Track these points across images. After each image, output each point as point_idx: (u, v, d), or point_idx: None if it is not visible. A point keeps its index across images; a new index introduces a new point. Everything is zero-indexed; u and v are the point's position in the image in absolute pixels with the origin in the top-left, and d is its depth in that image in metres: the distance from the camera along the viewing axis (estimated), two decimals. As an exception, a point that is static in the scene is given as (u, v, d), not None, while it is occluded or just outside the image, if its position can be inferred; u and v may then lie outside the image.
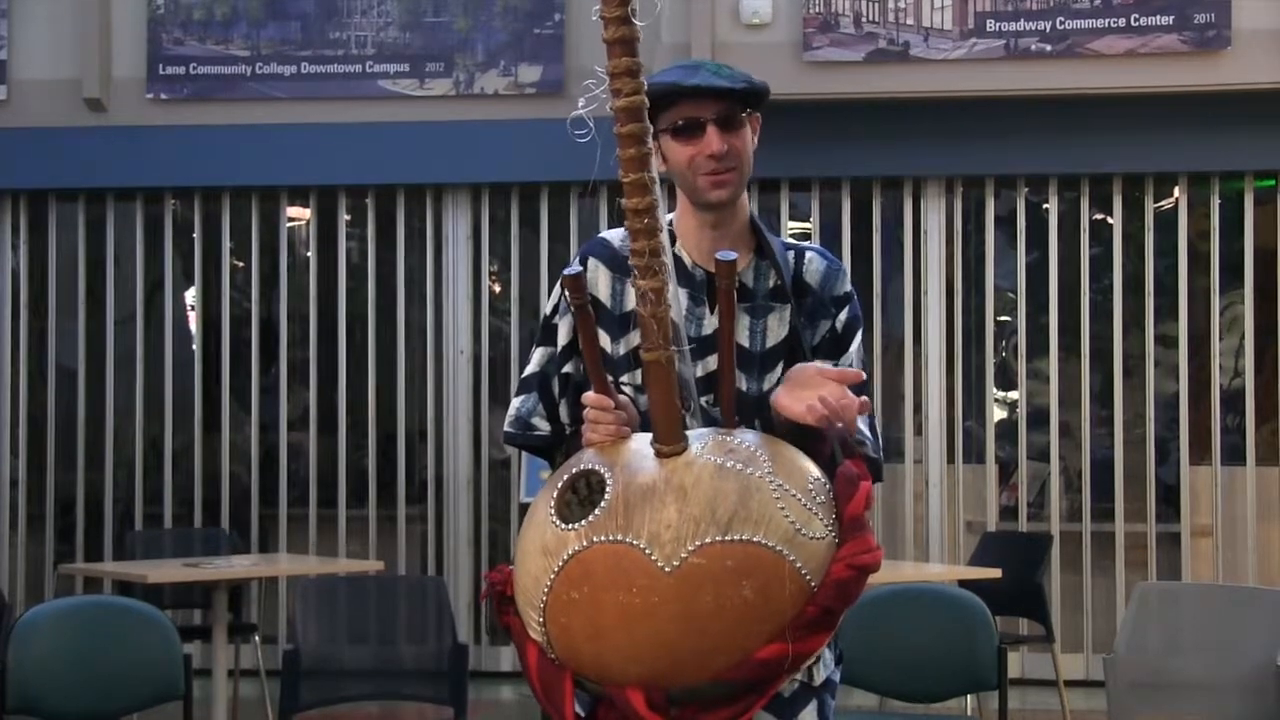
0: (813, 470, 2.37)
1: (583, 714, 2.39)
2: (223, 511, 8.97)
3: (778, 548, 2.25)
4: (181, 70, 8.88)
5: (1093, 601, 8.58)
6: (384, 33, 8.85)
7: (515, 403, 2.81)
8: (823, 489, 2.35)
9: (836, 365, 2.72)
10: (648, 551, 2.23)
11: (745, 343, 2.69)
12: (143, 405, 9.05)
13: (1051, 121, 8.43)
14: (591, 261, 2.76)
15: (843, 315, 2.79)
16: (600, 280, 2.75)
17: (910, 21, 8.23)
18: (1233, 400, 8.76)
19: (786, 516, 2.26)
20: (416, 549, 9.00)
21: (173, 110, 8.90)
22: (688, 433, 2.38)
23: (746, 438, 2.38)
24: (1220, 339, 8.68)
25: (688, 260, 2.75)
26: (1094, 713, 7.48)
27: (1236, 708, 4.96)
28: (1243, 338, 8.78)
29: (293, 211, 9.19)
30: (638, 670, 2.26)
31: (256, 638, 7.67)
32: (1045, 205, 8.77)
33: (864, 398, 2.46)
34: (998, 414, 8.99)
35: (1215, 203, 8.64)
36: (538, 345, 2.83)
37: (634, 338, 2.67)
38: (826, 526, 2.31)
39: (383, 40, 8.85)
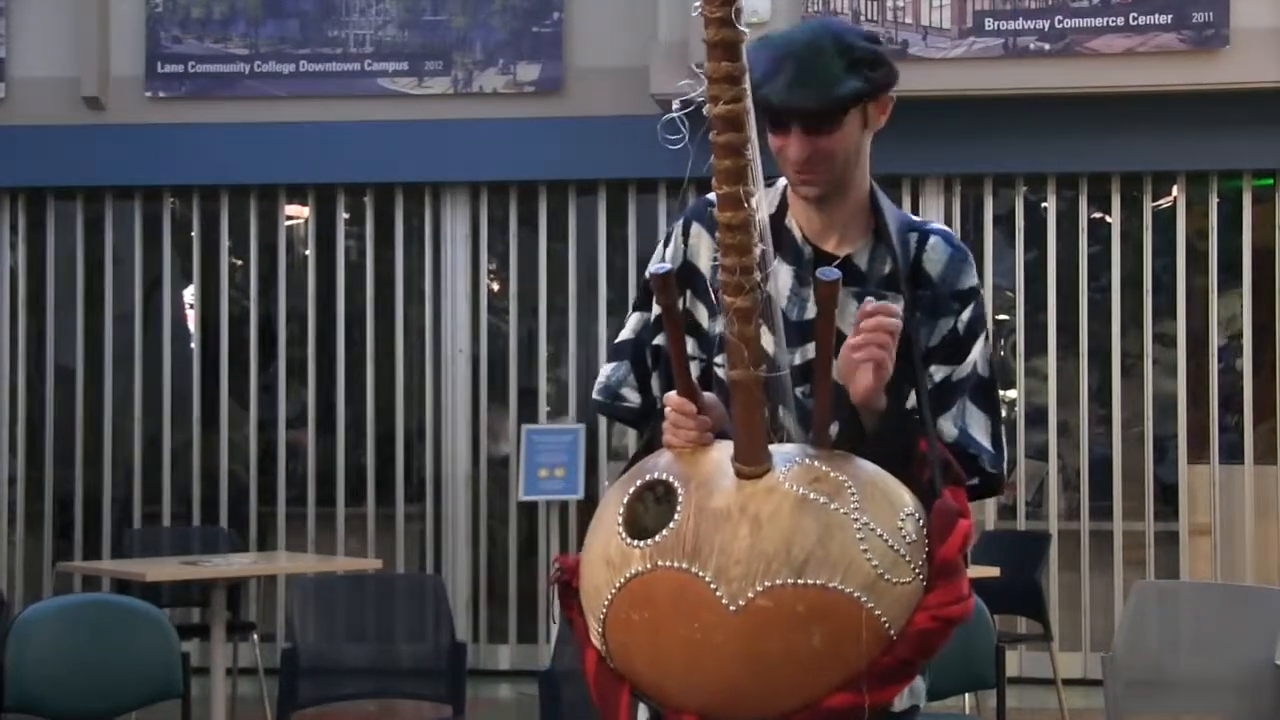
0: (906, 504, 2.19)
1: None
2: (221, 510, 8.97)
3: (856, 595, 2.09)
4: (180, 68, 8.88)
5: (1091, 600, 8.58)
6: (382, 31, 8.85)
7: (605, 369, 2.63)
8: (915, 525, 2.17)
9: (952, 373, 2.49)
10: (713, 586, 2.09)
11: (849, 331, 2.38)
12: (141, 403, 9.05)
13: (1050, 120, 8.43)
14: (695, 228, 2.55)
15: (966, 314, 2.50)
16: (702, 249, 2.54)
17: (909, 20, 8.23)
18: (1231, 399, 8.76)
19: (869, 559, 2.10)
20: (415, 547, 9.00)
21: (171, 108, 8.89)
22: (774, 449, 2.22)
23: (836, 464, 2.20)
24: (1218, 338, 8.68)
25: (797, 234, 2.52)
26: (1092, 711, 7.48)
27: (1234, 706, 4.96)
28: (1241, 336, 8.78)
29: (291, 210, 9.18)
30: (697, 701, 2.16)
31: (255, 636, 7.68)
32: (1043, 204, 8.78)
33: (893, 315, 2.26)
34: (996, 413, 8.97)
35: (1213, 201, 8.65)
36: (635, 309, 2.63)
37: None
38: (914, 570, 2.14)
39: (381, 39, 8.85)
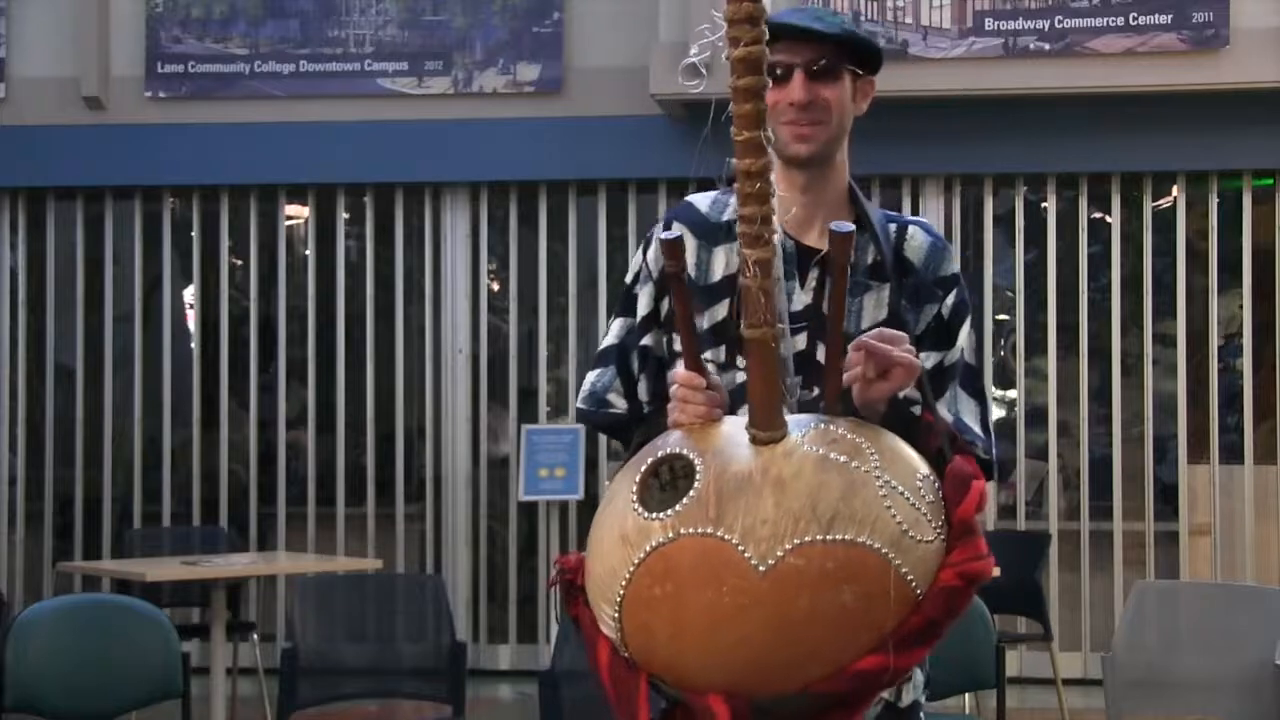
0: (921, 467, 2.17)
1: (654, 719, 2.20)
2: (221, 509, 8.97)
3: (884, 551, 2.05)
4: (180, 68, 8.88)
5: (1091, 600, 8.59)
6: (382, 31, 8.85)
7: (590, 376, 2.62)
8: (931, 488, 2.15)
9: (944, 359, 2.55)
10: (741, 548, 2.03)
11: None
12: (141, 403, 9.06)
13: (1050, 120, 8.43)
14: (677, 225, 2.55)
15: (950, 299, 2.56)
16: (685, 247, 2.48)
17: (909, 20, 8.24)
18: (1231, 399, 8.76)
19: (894, 517, 2.07)
20: (415, 547, 9.01)
21: (171, 108, 8.90)
22: (787, 419, 2.17)
23: (851, 428, 2.17)
24: (1218, 338, 8.69)
25: (778, 228, 2.46)
26: (1092, 711, 7.48)
27: (1234, 706, 4.96)
28: (1241, 336, 8.78)
29: (291, 210, 9.19)
30: (721, 676, 2.08)
31: (255, 636, 7.67)
32: (1043, 204, 8.78)
33: (914, 357, 2.26)
34: (996, 412, 8.99)
35: (1213, 201, 8.65)
36: (617, 315, 2.63)
37: (719, 310, 2.52)
38: (935, 529, 2.11)
39: (381, 39, 8.85)
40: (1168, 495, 8.73)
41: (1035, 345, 8.79)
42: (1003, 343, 8.98)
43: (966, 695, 6.46)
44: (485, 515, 8.95)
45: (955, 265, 2.59)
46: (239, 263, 9.22)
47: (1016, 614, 7.64)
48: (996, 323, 8.89)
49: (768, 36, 2.07)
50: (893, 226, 2.57)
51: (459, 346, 8.97)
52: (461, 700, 5.45)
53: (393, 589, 6.15)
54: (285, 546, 8.85)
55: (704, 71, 2.24)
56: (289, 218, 9.21)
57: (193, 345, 9.23)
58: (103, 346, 9.10)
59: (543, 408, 9.01)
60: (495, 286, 9.17)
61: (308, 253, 9.19)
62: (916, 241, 2.56)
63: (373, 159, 8.82)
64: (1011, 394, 8.91)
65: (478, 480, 8.94)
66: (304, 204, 9.16)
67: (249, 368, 9.07)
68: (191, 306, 9.24)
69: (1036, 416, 8.80)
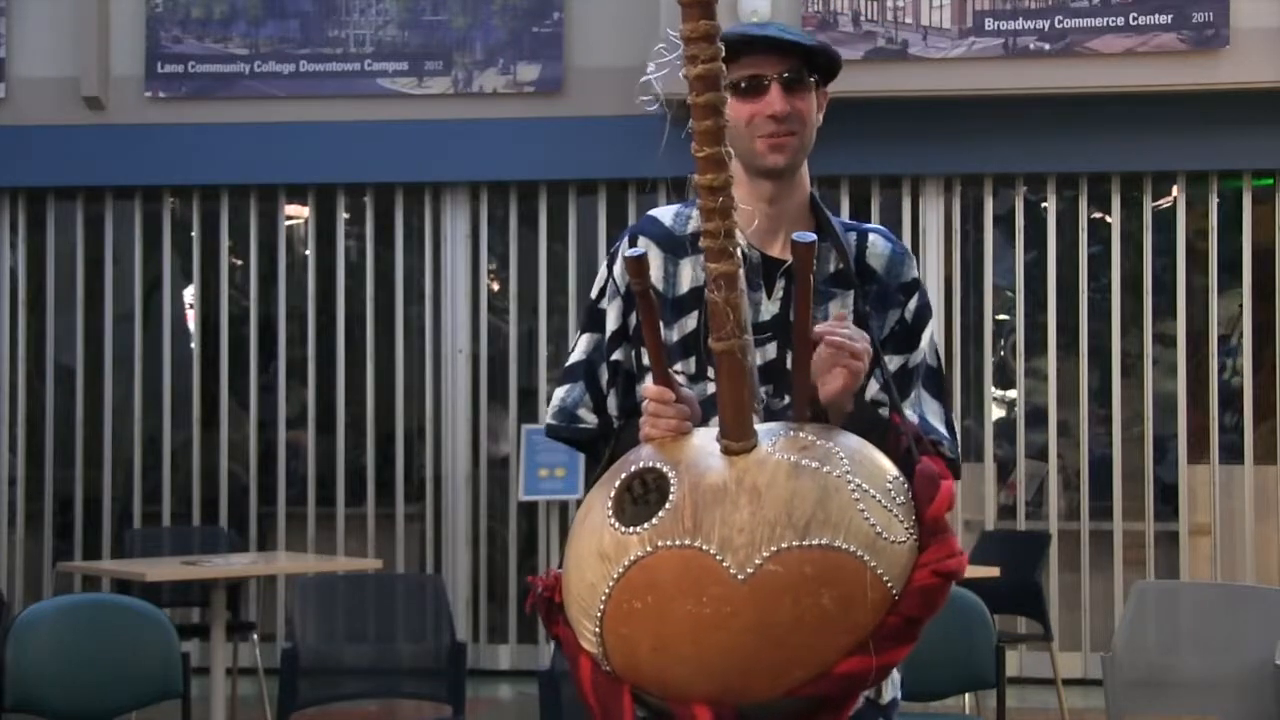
0: (890, 469, 2.21)
1: None
2: (221, 510, 8.97)
3: (859, 553, 2.08)
4: (180, 68, 8.88)
5: (1091, 600, 8.59)
6: (382, 31, 8.85)
7: (559, 392, 2.67)
8: (902, 489, 2.19)
9: (907, 361, 2.61)
10: (719, 558, 2.06)
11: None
12: (141, 403, 9.05)
13: (1050, 120, 8.43)
14: (642, 240, 2.60)
15: (912, 304, 2.63)
16: (651, 261, 2.56)
17: (909, 20, 8.24)
18: (1231, 399, 8.76)
19: (867, 519, 2.10)
20: (415, 547, 9.01)
21: (171, 108, 8.90)
22: (756, 428, 2.20)
23: (820, 433, 2.21)
24: (1218, 337, 8.69)
25: (742, 241, 2.45)
26: (1092, 711, 7.49)
27: (1234, 706, 4.96)
28: (1241, 336, 8.78)
29: (291, 210, 9.19)
30: (705, 685, 2.10)
31: (255, 636, 7.67)
32: (1044, 204, 8.78)
33: (866, 348, 2.34)
34: (996, 413, 8.99)
35: (1213, 201, 8.65)
36: (583, 331, 2.67)
37: (688, 323, 2.55)
38: (907, 530, 2.15)
39: (381, 39, 8.85)
40: (1168, 495, 8.73)
41: (1035, 345, 8.79)
42: (1003, 343, 8.98)
43: (966, 695, 6.46)
44: (485, 515, 8.95)
45: (915, 271, 2.66)
46: (239, 263, 9.22)
47: (1016, 614, 7.64)
48: (996, 323, 8.89)
49: (723, 53, 2.11)
50: (853, 235, 2.62)
51: (459, 346, 8.97)
52: (461, 700, 5.45)
53: (393, 589, 6.15)
54: (285, 546, 8.85)
55: (658, 88, 2.27)
56: (289, 218, 9.21)
57: (193, 345, 9.23)
58: (103, 346, 9.10)
59: (543, 408, 9.01)
60: (495, 286, 9.17)
61: (308, 253, 9.19)
62: (878, 249, 2.62)
63: (373, 159, 8.82)
64: (1011, 394, 8.91)
65: (478, 480, 8.94)
66: (304, 204, 9.16)
67: (249, 368, 9.07)
68: (191, 306, 9.24)
69: (1036, 416, 8.80)
